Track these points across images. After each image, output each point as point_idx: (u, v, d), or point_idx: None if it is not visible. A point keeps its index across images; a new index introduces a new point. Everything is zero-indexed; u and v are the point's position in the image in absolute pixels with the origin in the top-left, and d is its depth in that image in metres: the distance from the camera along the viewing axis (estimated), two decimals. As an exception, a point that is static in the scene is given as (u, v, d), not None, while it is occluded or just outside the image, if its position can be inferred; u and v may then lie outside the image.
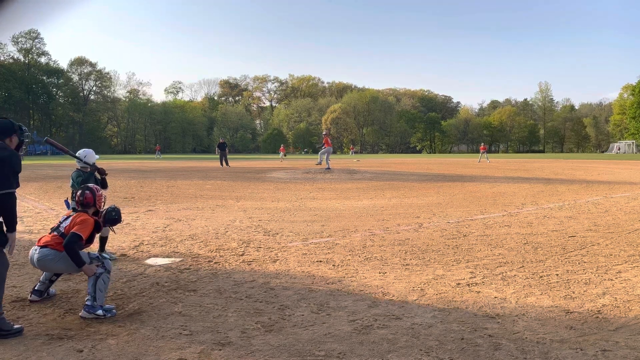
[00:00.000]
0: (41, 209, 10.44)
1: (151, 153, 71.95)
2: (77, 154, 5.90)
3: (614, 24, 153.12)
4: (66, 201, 5.72)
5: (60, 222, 4.32)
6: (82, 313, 3.90)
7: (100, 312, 3.89)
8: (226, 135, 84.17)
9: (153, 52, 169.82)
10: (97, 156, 6.03)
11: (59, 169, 26.26)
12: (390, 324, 3.72)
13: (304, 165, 29.67)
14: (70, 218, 4.28)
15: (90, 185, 4.58)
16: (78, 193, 4.44)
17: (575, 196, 12.46)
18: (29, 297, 4.31)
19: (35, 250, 4.11)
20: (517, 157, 60.77)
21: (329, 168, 21.94)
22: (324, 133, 23.96)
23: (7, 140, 3.73)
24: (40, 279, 4.39)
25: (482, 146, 40.67)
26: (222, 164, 29.88)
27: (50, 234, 4.23)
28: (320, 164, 22.97)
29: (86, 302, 3.94)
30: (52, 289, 4.50)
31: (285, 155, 47.36)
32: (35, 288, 4.34)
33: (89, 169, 5.93)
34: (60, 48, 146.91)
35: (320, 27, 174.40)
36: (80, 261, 4.00)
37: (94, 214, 4.45)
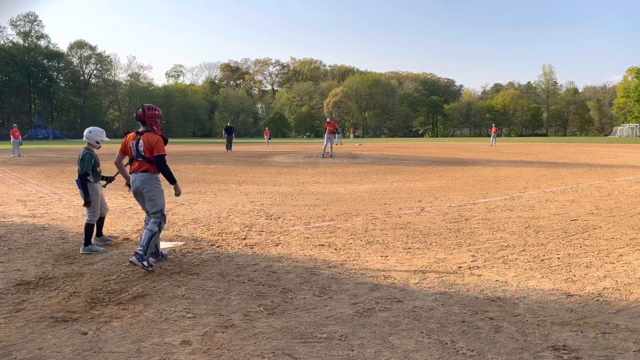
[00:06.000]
0: (44, 193, 10.47)
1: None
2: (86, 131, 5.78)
3: (619, 5, 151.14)
4: (77, 181, 5.56)
5: (135, 148, 4.83)
6: (132, 259, 4.66)
7: (146, 263, 4.66)
8: (229, 119, 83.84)
9: (154, 35, 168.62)
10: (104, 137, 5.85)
11: (61, 153, 26.26)
12: (391, 307, 3.74)
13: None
14: (142, 142, 4.78)
15: (146, 105, 5.06)
16: (139, 111, 4.94)
17: (578, 180, 12.43)
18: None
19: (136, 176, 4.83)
20: (520, 140, 60.49)
21: (323, 155, 21.73)
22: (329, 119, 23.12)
23: None
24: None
25: (493, 128, 40.21)
26: (227, 149, 29.87)
27: (133, 163, 4.83)
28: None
29: (137, 251, 4.69)
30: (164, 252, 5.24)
31: (270, 139, 45.34)
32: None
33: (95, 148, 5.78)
34: (59, 31, 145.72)
35: (322, 9, 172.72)
36: (173, 179, 4.92)
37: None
